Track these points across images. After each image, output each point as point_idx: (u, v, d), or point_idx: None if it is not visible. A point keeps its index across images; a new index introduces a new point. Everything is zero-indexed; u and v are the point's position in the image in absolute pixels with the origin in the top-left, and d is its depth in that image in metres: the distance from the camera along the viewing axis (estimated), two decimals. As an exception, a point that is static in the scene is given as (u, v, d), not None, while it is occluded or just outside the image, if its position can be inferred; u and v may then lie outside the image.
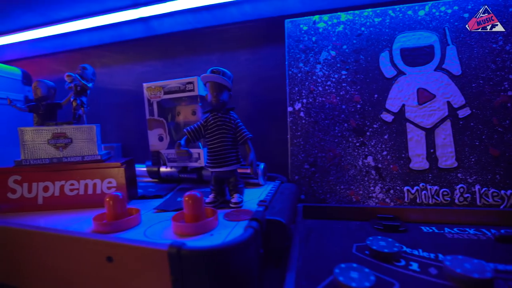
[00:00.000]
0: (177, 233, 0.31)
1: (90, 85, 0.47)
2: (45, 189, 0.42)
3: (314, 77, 0.53)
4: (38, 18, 0.65)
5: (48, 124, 0.43)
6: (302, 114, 0.53)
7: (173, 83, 0.50)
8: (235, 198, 0.40)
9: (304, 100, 0.53)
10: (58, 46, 0.72)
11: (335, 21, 0.53)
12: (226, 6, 0.58)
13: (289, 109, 0.53)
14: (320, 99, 0.52)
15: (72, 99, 0.45)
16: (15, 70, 0.66)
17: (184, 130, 0.40)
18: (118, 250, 0.26)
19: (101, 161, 0.44)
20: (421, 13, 0.49)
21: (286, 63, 0.55)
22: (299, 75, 0.54)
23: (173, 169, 0.56)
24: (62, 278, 0.30)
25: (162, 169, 0.57)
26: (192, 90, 0.49)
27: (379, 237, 0.37)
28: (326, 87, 0.52)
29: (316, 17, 0.54)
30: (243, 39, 0.61)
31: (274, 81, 0.60)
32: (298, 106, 0.53)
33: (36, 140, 0.42)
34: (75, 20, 0.65)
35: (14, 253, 0.32)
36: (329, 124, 0.51)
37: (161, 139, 0.52)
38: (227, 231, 0.31)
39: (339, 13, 0.53)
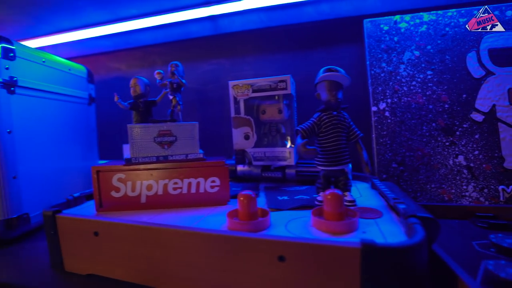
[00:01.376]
0: (327, 230, 0.31)
1: (184, 82, 0.47)
2: (149, 187, 0.42)
3: (398, 77, 0.53)
4: (107, 15, 0.64)
5: (154, 121, 0.42)
6: (387, 113, 0.53)
7: (263, 81, 0.50)
8: (348, 196, 0.39)
9: (389, 100, 0.53)
10: (119, 44, 0.71)
11: (417, 21, 0.54)
12: (303, 5, 0.58)
13: (373, 108, 0.54)
14: (405, 99, 0.52)
15: (171, 97, 0.45)
16: (81, 68, 0.65)
17: (298, 128, 0.40)
18: (293, 249, 0.26)
19: (203, 160, 0.44)
20: (509, 13, 0.50)
21: (367, 62, 0.55)
22: (382, 75, 0.54)
23: (251, 168, 0.56)
24: (217, 278, 0.29)
25: (239, 167, 0.57)
26: (285, 89, 0.49)
27: (500, 234, 0.37)
28: (411, 87, 0.52)
29: (397, 17, 0.55)
30: (318, 38, 0.61)
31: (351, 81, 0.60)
32: (382, 105, 0.53)
33: (144, 137, 0.41)
34: (143, 18, 0.64)
35: (155, 253, 0.32)
36: (416, 123, 0.51)
37: (247, 137, 0.52)
38: (375, 229, 0.31)
39: (421, 13, 0.54)
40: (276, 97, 0.53)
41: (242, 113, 0.52)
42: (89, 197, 0.48)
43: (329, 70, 0.40)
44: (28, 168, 0.51)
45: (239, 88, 0.51)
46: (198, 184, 0.42)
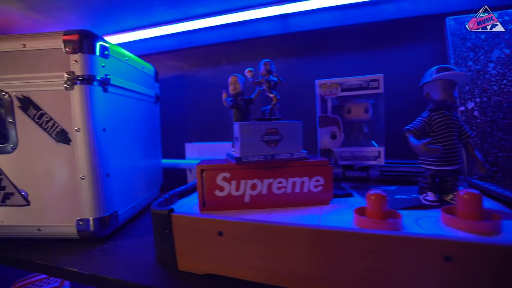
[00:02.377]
0: (470, 230, 0.30)
1: (281, 79, 0.47)
2: (253, 187, 0.42)
3: (487, 76, 0.52)
4: (177, 14, 0.64)
5: (258, 119, 0.42)
6: (476, 113, 0.52)
7: (353, 80, 0.49)
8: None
9: (478, 99, 0.52)
10: (183, 42, 0.71)
11: (506, 18, 0.53)
12: (382, 2, 0.57)
13: (461, 108, 0.53)
14: (496, 98, 0.51)
15: (271, 95, 0.45)
16: (150, 67, 0.65)
17: (408, 127, 0.40)
18: (462, 249, 0.25)
19: (306, 159, 0.43)
20: None
21: (452, 61, 0.54)
22: (468, 73, 0.53)
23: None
24: (366, 278, 0.29)
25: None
26: (377, 88, 0.48)
27: None
28: (502, 86, 0.51)
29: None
30: (395, 36, 0.60)
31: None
32: (470, 105, 0.52)
33: (252, 136, 0.41)
34: (213, 17, 0.64)
35: (289, 253, 0.31)
36: (509, 123, 0.50)
37: (333, 137, 0.52)
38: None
39: (510, 10, 0.53)
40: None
41: (330, 112, 0.51)
42: (181, 195, 0.48)
43: (445, 69, 0.39)
44: (116, 166, 0.51)
45: (326, 87, 0.51)
46: (302, 183, 0.42)
